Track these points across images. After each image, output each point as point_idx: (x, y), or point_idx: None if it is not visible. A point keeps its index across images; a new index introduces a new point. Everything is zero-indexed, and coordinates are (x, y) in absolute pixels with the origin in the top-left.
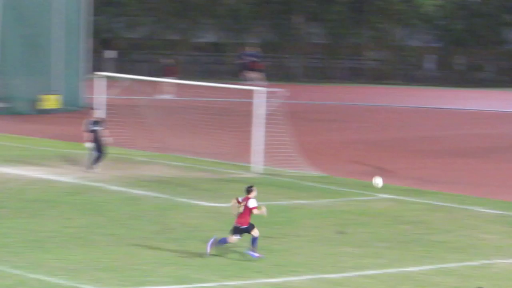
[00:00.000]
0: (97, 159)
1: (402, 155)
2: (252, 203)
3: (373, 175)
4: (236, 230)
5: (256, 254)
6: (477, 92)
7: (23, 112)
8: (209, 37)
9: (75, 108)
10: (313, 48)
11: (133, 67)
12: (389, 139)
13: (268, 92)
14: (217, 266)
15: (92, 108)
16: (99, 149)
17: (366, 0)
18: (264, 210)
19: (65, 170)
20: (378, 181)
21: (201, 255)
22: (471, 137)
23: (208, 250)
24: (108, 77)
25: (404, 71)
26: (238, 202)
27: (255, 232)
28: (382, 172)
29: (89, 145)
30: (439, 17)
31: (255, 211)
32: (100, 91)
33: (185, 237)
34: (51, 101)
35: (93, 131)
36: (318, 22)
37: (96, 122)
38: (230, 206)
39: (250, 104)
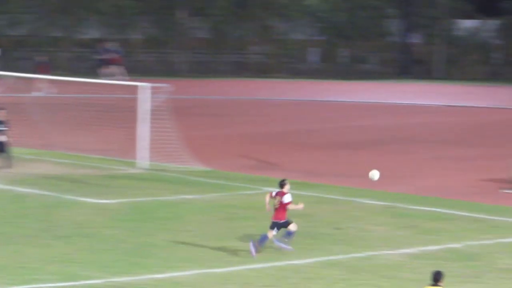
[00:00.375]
0: (6, 160)
1: (288, 148)
2: (287, 198)
3: (259, 168)
4: (274, 225)
5: (288, 247)
6: (361, 84)
7: None
8: (93, 33)
9: None
10: (197, 43)
11: (16, 64)
12: (275, 132)
13: (153, 88)
14: (104, 262)
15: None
16: (3, 149)
17: None
18: (301, 206)
19: None
20: (374, 173)
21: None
22: (357, 129)
23: (254, 253)
24: None
25: (289, 65)
26: (271, 196)
27: (292, 227)
28: (268, 166)
29: (2, 138)
30: (323, 10)
31: (290, 206)
32: None
33: (71, 234)
34: None
35: None
36: (202, 17)
37: (0, 122)
38: (265, 202)
39: (136, 100)
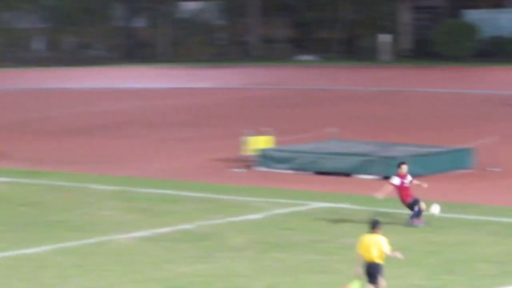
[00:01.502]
0: None
1: (17, 137)
2: (394, 180)
3: None
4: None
5: (420, 223)
6: (88, 71)
7: None
8: None
9: None
10: None
11: None
12: (1, 122)
13: None
14: None
15: None
16: None
17: None
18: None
19: None
20: (435, 210)
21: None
22: (85, 115)
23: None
24: None
25: (13, 54)
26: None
27: (421, 206)
28: None
29: None
30: None
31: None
32: None
33: None
34: None
35: None
36: None
37: None
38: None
39: None
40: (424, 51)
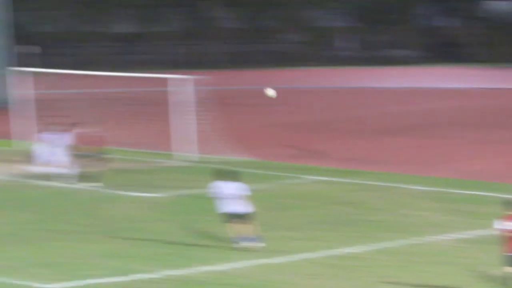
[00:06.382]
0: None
1: (329, 136)
2: None
3: (302, 158)
4: None
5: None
6: (398, 70)
7: None
8: (125, 28)
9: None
10: (229, 33)
11: (54, 61)
12: (315, 120)
13: (193, 80)
14: (159, 256)
15: None
16: None
17: None
18: None
19: None
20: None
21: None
22: (397, 115)
23: None
24: (31, 72)
25: (322, 52)
26: None
27: None
28: (311, 154)
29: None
30: None
31: None
32: (24, 86)
33: (122, 229)
34: None
35: None
36: (234, 7)
37: None
38: None
39: (169, 92)
40: None
